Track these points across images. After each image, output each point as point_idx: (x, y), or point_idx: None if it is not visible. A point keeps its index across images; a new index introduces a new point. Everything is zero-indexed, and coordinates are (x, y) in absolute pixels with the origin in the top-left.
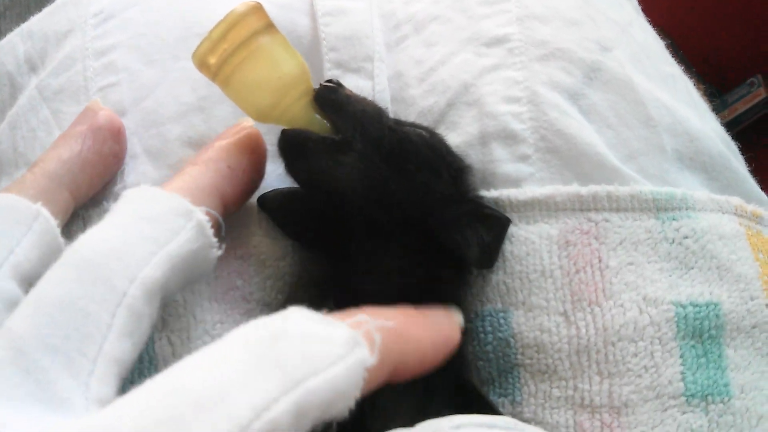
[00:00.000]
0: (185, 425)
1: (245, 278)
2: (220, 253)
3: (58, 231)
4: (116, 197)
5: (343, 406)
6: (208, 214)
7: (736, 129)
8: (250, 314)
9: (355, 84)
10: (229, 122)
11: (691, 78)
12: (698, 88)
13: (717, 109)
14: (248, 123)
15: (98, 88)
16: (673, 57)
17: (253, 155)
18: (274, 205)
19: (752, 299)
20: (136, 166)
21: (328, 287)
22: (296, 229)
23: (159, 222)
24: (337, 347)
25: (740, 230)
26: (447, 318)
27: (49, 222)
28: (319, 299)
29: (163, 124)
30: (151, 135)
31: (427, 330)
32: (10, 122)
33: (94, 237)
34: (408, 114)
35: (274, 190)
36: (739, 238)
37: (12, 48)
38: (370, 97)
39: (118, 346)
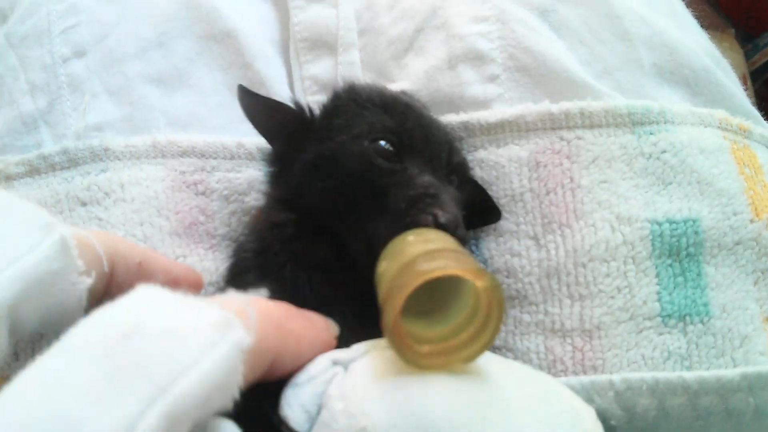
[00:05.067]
0: None
1: (208, 213)
2: (89, 282)
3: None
4: (78, 135)
5: (226, 398)
6: (78, 237)
7: None
8: (215, 249)
9: (318, 13)
10: (189, 57)
11: (720, 22)
12: (728, 33)
13: (749, 54)
14: (197, 272)
15: (60, 30)
16: (701, 2)
17: (170, 284)
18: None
19: (735, 214)
20: (98, 105)
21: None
22: None
23: (9, 234)
24: (206, 334)
25: (724, 144)
26: (325, 323)
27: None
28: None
29: (123, 61)
30: (111, 73)
31: (306, 329)
32: None
33: None
34: (378, 44)
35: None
36: (722, 152)
37: None
38: (334, 27)
39: None
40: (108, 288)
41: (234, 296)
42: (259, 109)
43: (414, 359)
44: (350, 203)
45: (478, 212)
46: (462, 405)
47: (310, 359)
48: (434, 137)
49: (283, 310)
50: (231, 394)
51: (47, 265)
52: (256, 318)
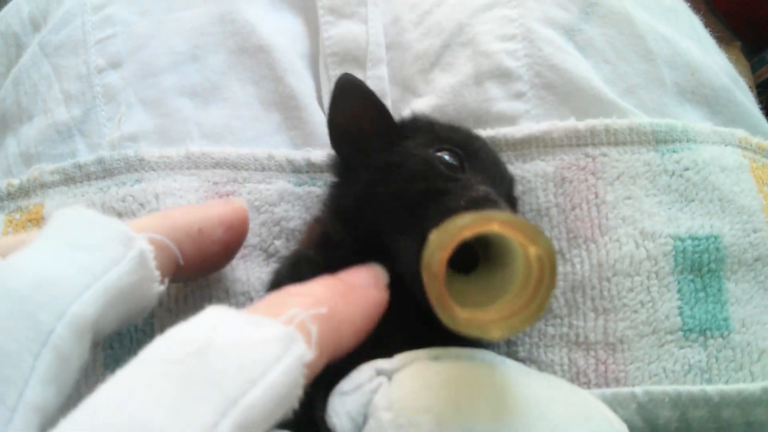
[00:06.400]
0: None
1: None
2: (162, 288)
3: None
4: (113, 145)
5: (287, 409)
6: (154, 242)
7: None
8: (246, 258)
9: (348, 29)
10: (222, 71)
11: (727, 36)
12: (734, 46)
13: (755, 67)
14: (239, 202)
15: (96, 41)
16: (708, 16)
17: (228, 231)
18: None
19: (755, 231)
20: (132, 115)
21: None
22: None
23: (94, 250)
24: (272, 349)
25: (744, 162)
26: (372, 280)
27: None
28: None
29: (158, 74)
30: (146, 85)
31: (356, 303)
32: (13, 79)
33: (20, 264)
34: (405, 58)
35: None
36: (742, 170)
37: (17, 10)
38: (363, 43)
39: (41, 393)
40: (177, 267)
41: (296, 311)
42: (358, 107)
43: (452, 321)
44: (410, 207)
45: None
46: (511, 418)
47: (367, 327)
48: (500, 165)
49: (331, 295)
50: (292, 404)
51: (128, 278)
52: (317, 333)
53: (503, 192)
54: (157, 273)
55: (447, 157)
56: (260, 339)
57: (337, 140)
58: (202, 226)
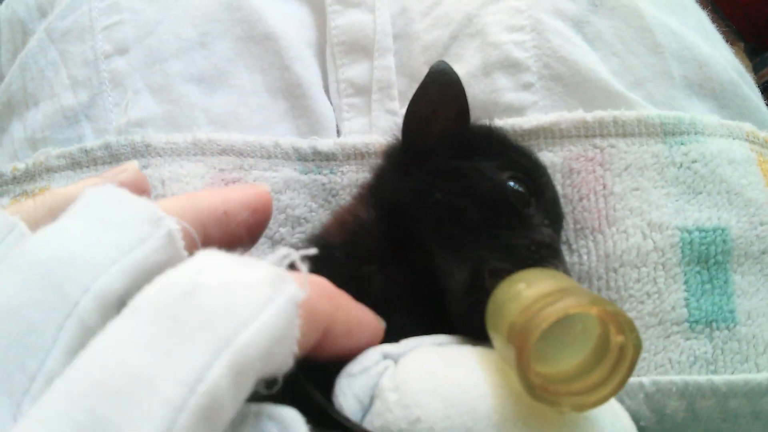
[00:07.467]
0: (111, 427)
1: None
2: None
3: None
4: (119, 131)
5: (286, 354)
6: (182, 229)
7: None
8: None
9: (355, 18)
10: (229, 58)
11: (730, 36)
12: (737, 46)
13: (757, 68)
14: (263, 187)
15: (103, 27)
16: (712, 15)
17: (253, 215)
18: None
19: (762, 224)
20: (139, 101)
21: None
22: None
23: (123, 227)
24: (262, 289)
25: (751, 156)
26: (372, 313)
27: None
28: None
29: (165, 60)
30: (153, 71)
31: (355, 308)
32: (20, 64)
33: (49, 237)
34: (413, 49)
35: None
36: (750, 164)
37: None
38: (370, 32)
39: (62, 364)
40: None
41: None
42: (444, 100)
43: (527, 386)
44: (467, 227)
45: None
46: (514, 400)
47: (360, 342)
48: (558, 203)
49: (332, 285)
50: (290, 349)
51: (155, 257)
52: (308, 279)
53: (558, 230)
54: (185, 254)
55: (517, 187)
56: (250, 280)
57: (410, 127)
58: (227, 209)
